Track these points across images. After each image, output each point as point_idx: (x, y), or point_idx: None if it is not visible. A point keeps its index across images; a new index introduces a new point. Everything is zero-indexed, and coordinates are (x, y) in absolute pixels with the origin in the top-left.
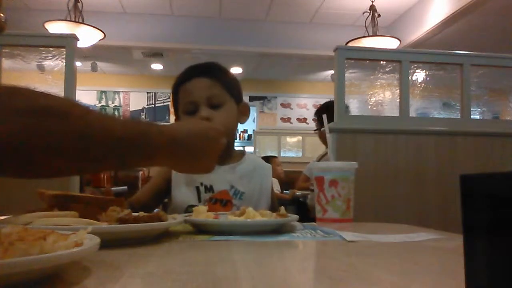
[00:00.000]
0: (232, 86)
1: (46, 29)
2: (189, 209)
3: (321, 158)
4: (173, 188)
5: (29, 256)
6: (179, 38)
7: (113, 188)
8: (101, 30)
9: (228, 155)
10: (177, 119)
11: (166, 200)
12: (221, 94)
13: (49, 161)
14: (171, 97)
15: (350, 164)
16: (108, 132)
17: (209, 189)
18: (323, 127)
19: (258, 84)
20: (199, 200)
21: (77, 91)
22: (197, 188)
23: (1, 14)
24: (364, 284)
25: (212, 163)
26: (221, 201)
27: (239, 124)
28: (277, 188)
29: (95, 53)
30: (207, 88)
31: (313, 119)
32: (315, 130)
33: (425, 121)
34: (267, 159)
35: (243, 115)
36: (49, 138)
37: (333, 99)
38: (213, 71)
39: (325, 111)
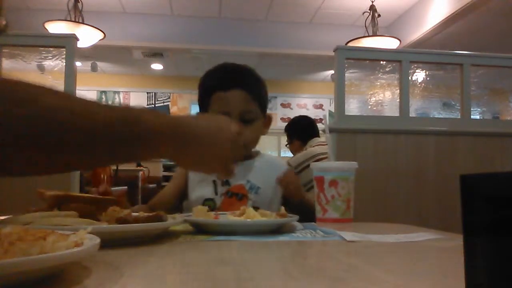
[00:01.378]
0: (265, 101)
1: (46, 29)
2: (206, 203)
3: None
4: (190, 182)
5: (29, 256)
6: (179, 38)
7: (113, 188)
8: (101, 30)
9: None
10: None
11: None
12: (255, 110)
13: (21, 152)
14: (200, 95)
15: (350, 164)
16: (90, 115)
17: (225, 182)
18: (292, 141)
19: None
20: (216, 193)
21: (77, 91)
22: (214, 181)
23: (2, 17)
24: (364, 284)
25: (228, 161)
26: (237, 195)
27: None
28: None
29: (95, 53)
30: (243, 102)
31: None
32: (286, 144)
33: (425, 121)
34: None
35: (266, 127)
36: (15, 126)
37: (303, 115)
38: (250, 83)
39: (293, 127)
